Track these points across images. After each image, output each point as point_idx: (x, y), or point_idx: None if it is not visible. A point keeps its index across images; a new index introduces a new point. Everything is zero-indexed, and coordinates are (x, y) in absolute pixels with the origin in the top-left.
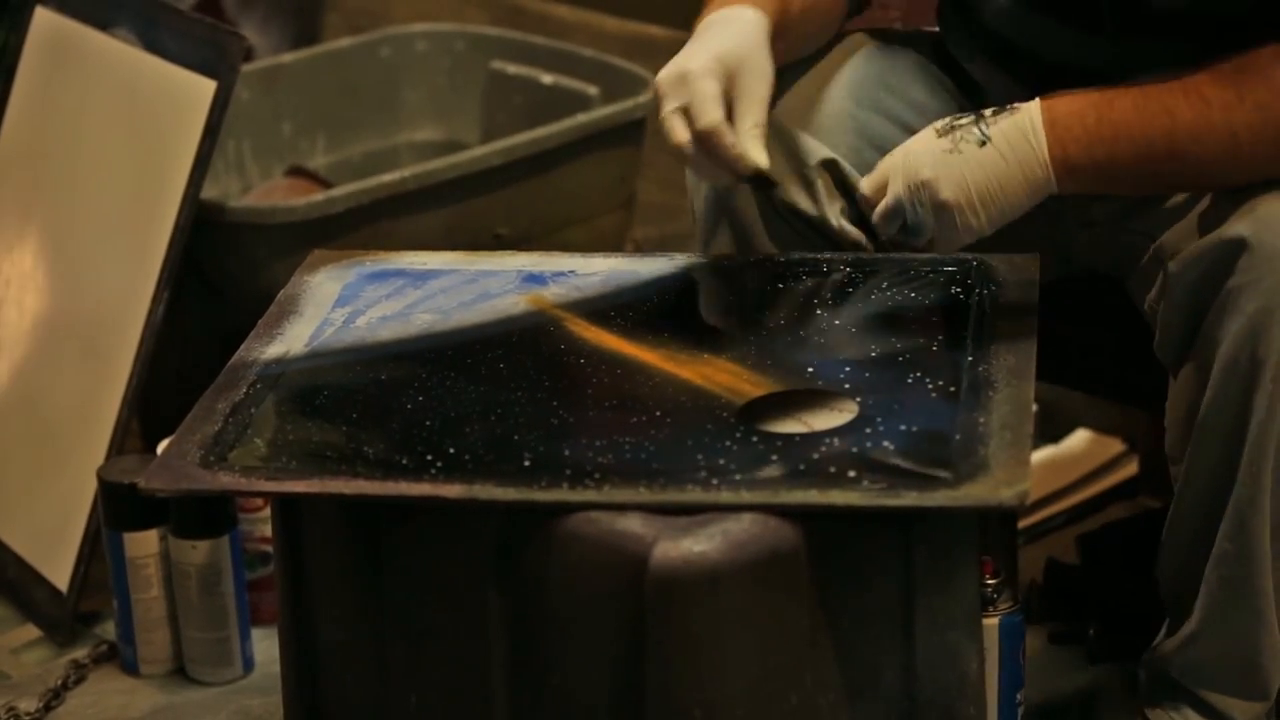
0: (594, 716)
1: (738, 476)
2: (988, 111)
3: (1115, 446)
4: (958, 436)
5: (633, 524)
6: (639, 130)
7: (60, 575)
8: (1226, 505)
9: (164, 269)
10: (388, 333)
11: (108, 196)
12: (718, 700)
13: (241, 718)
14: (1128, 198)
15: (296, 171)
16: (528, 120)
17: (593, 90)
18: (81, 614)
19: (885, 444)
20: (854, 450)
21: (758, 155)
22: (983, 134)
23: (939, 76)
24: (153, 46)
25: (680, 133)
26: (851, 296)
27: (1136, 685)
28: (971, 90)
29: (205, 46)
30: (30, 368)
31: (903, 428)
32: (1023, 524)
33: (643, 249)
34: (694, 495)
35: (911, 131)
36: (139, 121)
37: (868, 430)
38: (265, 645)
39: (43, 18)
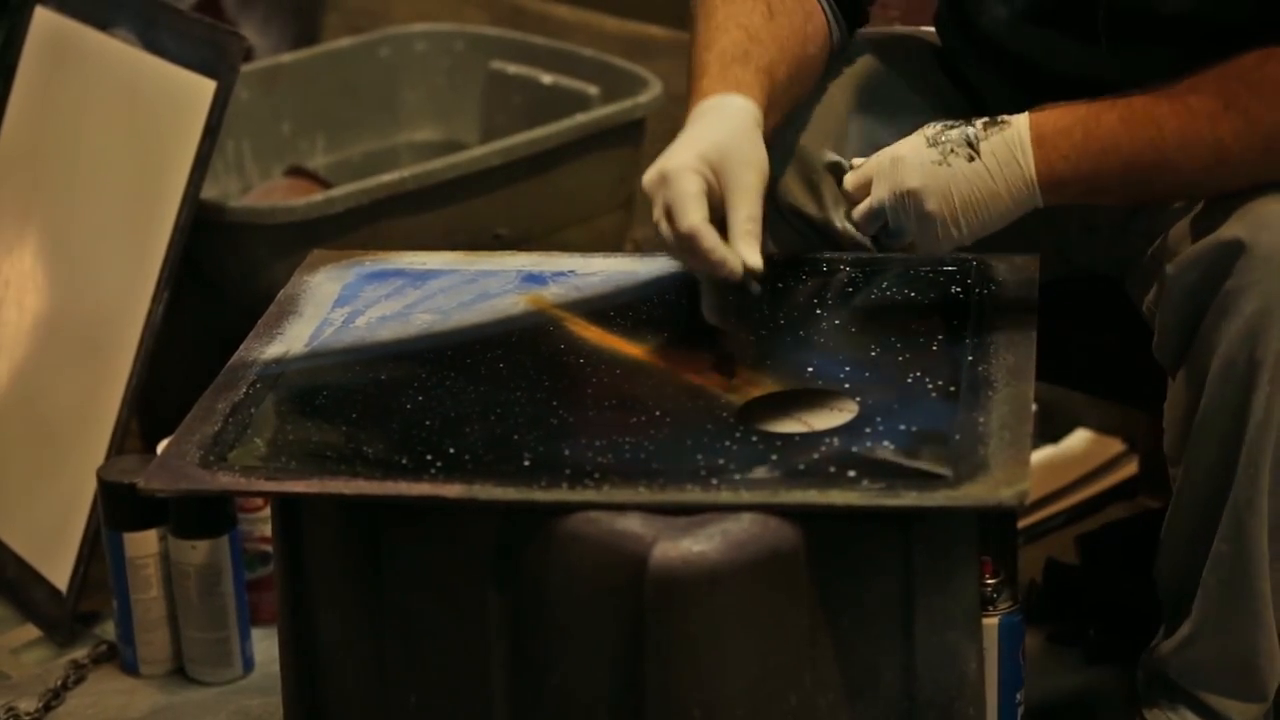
0: (594, 716)
1: (737, 476)
2: (978, 122)
3: (1115, 446)
4: (957, 436)
5: (632, 524)
6: (639, 130)
7: (60, 575)
8: (1224, 506)
9: (164, 269)
10: (387, 333)
11: (107, 196)
12: (717, 700)
13: (241, 718)
14: None
15: (296, 171)
16: (527, 120)
17: (592, 90)
18: (81, 614)
19: (885, 444)
20: (854, 450)
21: (748, 254)
22: (972, 148)
23: (938, 81)
24: (152, 46)
25: (667, 234)
26: (852, 296)
27: (1135, 686)
28: (970, 94)
29: (205, 46)
30: (30, 368)
31: (902, 427)
32: (1022, 524)
33: (642, 249)
34: (694, 495)
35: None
36: (139, 121)
37: (867, 430)
38: (265, 645)
39: (43, 18)
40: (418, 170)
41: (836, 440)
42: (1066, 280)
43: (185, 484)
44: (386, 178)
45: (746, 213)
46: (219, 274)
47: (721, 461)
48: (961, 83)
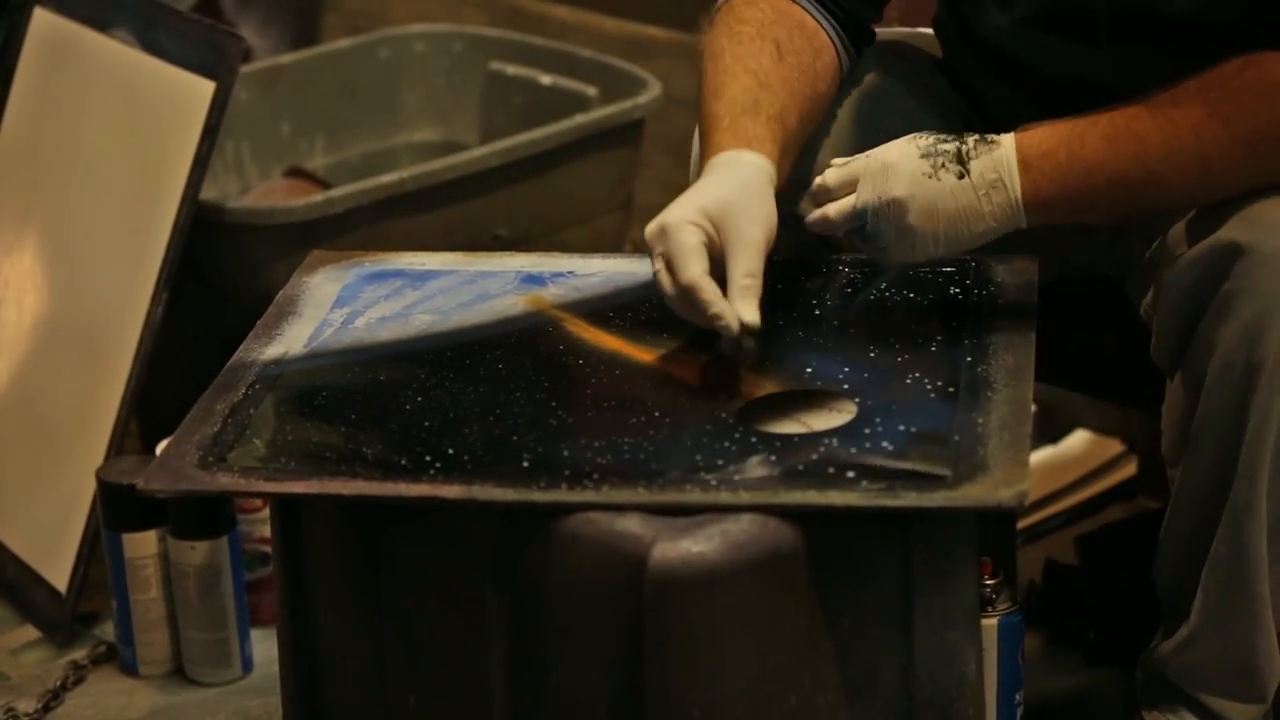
0: (593, 716)
1: (737, 477)
2: (970, 140)
3: (1114, 447)
4: (957, 437)
5: (631, 525)
6: (638, 131)
7: (59, 576)
8: (1222, 508)
9: (163, 269)
10: (387, 333)
11: (107, 197)
12: (717, 700)
13: (240, 718)
14: None
15: (295, 172)
16: (526, 121)
17: (592, 91)
18: (80, 615)
19: (884, 444)
20: (853, 451)
21: (744, 311)
22: (962, 165)
23: (938, 85)
24: (151, 47)
25: (667, 287)
26: (851, 297)
27: (1134, 687)
28: (971, 97)
29: (204, 47)
30: (30, 368)
31: (902, 428)
32: (1022, 524)
33: (642, 250)
34: (693, 496)
35: None
36: (138, 122)
37: (866, 431)
38: (264, 646)
39: (42, 19)
40: (417, 171)
41: (836, 441)
42: (1065, 281)
43: (185, 485)
44: (386, 178)
45: (746, 268)
46: (218, 274)
47: (721, 462)
48: (962, 85)
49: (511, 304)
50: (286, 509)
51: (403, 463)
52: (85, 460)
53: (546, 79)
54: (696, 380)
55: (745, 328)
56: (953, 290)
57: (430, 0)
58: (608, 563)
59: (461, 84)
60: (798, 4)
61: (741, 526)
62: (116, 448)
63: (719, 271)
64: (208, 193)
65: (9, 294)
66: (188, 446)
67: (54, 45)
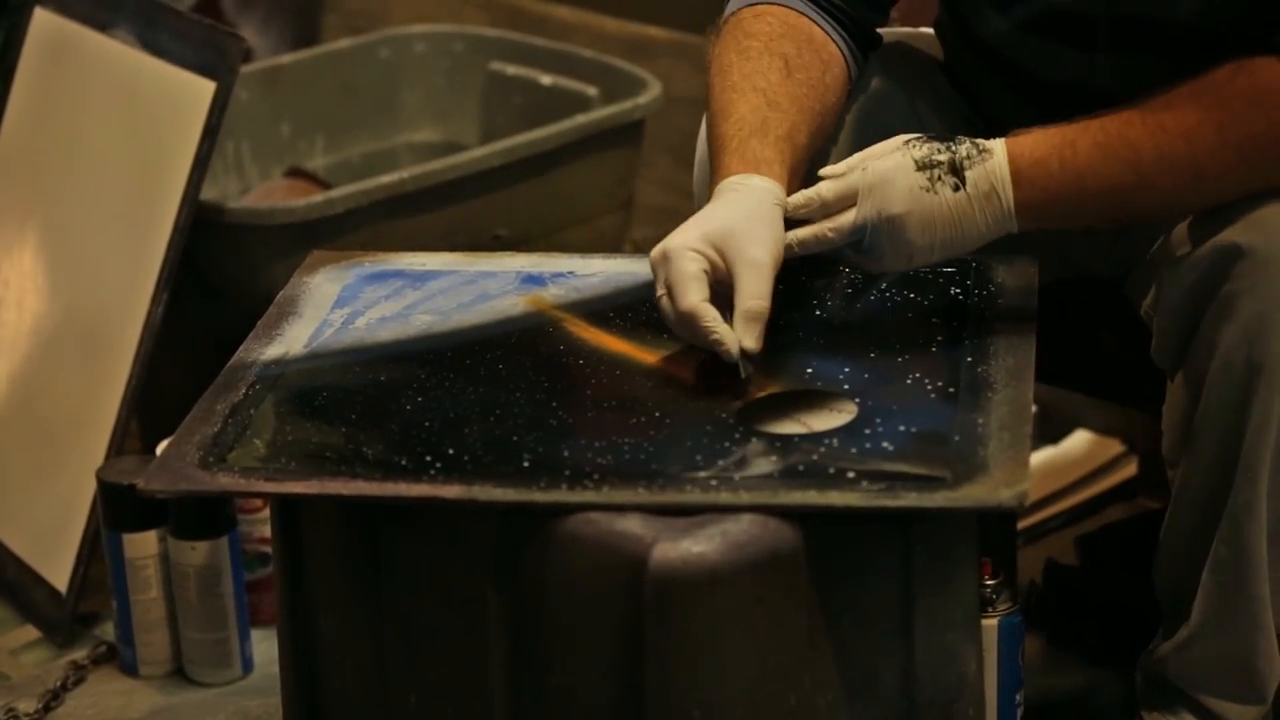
0: (593, 717)
1: (737, 477)
2: (963, 148)
3: (1114, 448)
4: (957, 437)
5: (632, 525)
6: (638, 131)
7: (59, 576)
8: (1222, 509)
9: (163, 270)
10: (387, 334)
11: (107, 197)
12: (717, 701)
13: (240, 719)
14: None
15: (295, 172)
16: (527, 121)
17: (592, 91)
18: (80, 615)
19: (884, 445)
20: (853, 451)
21: (745, 338)
22: (958, 175)
23: (938, 86)
24: (152, 47)
25: (668, 312)
26: (851, 298)
27: (1134, 687)
28: (971, 98)
29: (204, 47)
30: (30, 368)
31: (902, 428)
32: (1022, 525)
33: (642, 250)
34: (693, 496)
35: None
36: (138, 122)
37: (867, 431)
38: (264, 646)
39: (42, 19)
40: (417, 171)
41: (836, 441)
42: (1065, 281)
43: (185, 485)
44: (386, 179)
45: (753, 291)
46: (218, 275)
47: (721, 462)
48: (962, 86)
49: (512, 304)
50: (287, 509)
51: (403, 463)
52: (85, 460)
53: (547, 79)
54: (696, 380)
55: (745, 353)
56: (953, 291)
57: (430, 0)
58: (608, 563)
59: (462, 84)
60: (805, 14)
61: (741, 527)
62: (116, 448)
63: (727, 295)
64: (208, 193)
65: (9, 294)
66: (188, 447)
67: (54, 45)
